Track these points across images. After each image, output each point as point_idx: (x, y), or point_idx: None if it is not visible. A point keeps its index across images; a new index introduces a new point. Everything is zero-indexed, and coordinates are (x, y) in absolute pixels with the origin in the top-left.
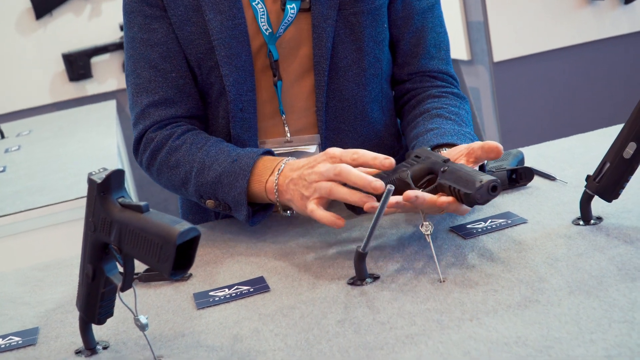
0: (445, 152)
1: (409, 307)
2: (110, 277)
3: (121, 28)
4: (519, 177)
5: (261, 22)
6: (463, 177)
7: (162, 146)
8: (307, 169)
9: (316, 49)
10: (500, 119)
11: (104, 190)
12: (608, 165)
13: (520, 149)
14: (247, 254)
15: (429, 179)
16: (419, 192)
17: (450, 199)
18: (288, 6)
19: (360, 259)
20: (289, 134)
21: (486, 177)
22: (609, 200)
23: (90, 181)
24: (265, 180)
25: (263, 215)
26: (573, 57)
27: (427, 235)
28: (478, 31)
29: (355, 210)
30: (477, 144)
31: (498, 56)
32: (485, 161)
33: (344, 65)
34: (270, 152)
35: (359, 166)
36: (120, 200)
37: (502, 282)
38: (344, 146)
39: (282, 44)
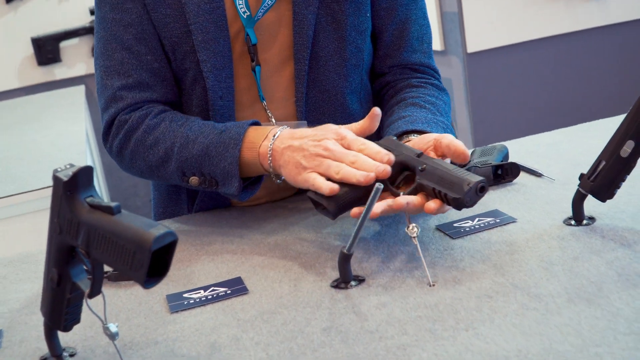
0: (413, 141)
1: (398, 314)
2: (77, 283)
3: (91, 12)
4: (504, 173)
5: (239, 5)
6: (446, 178)
7: (137, 126)
8: (312, 141)
9: (297, 36)
10: (472, 110)
11: (70, 189)
12: (604, 163)
13: (503, 143)
14: (223, 251)
15: (406, 176)
16: (408, 198)
17: (438, 204)
18: None
19: (344, 260)
20: (273, 120)
21: (472, 178)
22: (603, 200)
23: (56, 179)
24: (258, 146)
25: (252, 190)
26: (546, 49)
27: (414, 238)
28: (452, 22)
29: (330, 213)
30: (444, 139)
31: (472, 47)
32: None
33: (325, 54)
34: (257, 123)
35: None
36: (88, 200)
37: (495, 288)
38: None
39: (260, 28)
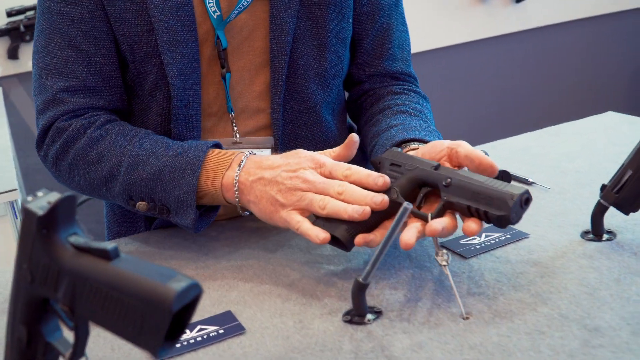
0: (421, 151)
1: (441, 358)
2: (52, 344)
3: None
4: None
5: (209, 4)
6: (483, 192)
7: (78, 137)
8: (286, 172)
9: (274, 42)
10: None
11: (47, 226)
12: (630, 174)
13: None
14: (199, 277)
15: (427, 193)
16: (442, 222)
17: (478, 223)
18: None
19: (360, 290)
20: (237, 135)
21: (514, 190)
22: (627, 213)
23: (27, 213)
24: (221, 176)
25: (207, 220)
26: (466, 54)
27: (444, 266)
28: None
29: (345, 245)
30: (462, 148)
31: None
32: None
33: (304, 62)
34: (218, 145)
35: (350, 183)
36: (72, 240)
37: (544, 320)
38: None
39: (232, 31)
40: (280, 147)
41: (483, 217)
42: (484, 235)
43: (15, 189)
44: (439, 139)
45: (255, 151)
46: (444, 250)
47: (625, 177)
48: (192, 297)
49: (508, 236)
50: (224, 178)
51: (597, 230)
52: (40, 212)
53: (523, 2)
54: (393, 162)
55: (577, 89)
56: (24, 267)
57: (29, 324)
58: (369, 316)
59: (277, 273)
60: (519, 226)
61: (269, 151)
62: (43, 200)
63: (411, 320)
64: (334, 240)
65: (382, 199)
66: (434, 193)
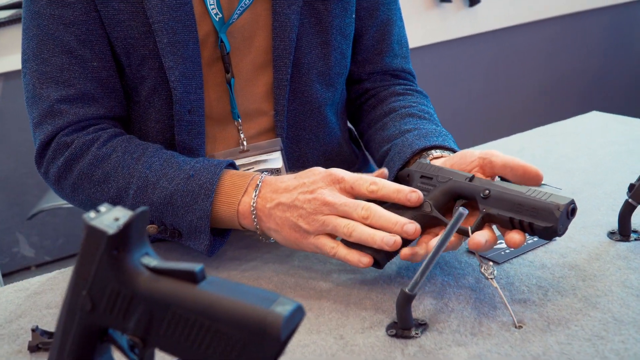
0: (450, 161)
1: None
2: None
3: None
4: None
5: (210, 5)
6: (526, 204)
7: (82, 154)
8: (304, 194)
9: (277, 40)
10: None
11: (119, 246)
12: None
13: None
14: None
15: (462, 206)
16: (484, 235)
17: (522, 235)
18: None
19: (406, 302)
20: (245, 143)
21: (559, 200)
22: None
23: (93, 231)
24: (237, 202)
25: (221, 243)
26: (420, 58)
27: (492, 279)
28: None
29: (378, 263)
30: (497, 158)
31: None
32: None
33: (308, 61)
34: (232, 165)
35: (375, 199)
36: (146, 261)
37: (600, 325)
38: (303, 156)
39: (233, 32)
40: (285, 151)
41: (527, 229)
42: None
43: None
44: (454, 142)
45: (264, 156)
46: (490, 263)
47: None
48: (297, 322)
49: (535, 239)
50: (240, 205)
51: (624, 230)
52: (111, 231)
53: (476, 6)
54: (423, 175)
55: (540, 90)
56: (83, 294)
57: (80, 357)
58: (416, 330)
59: (301, 286)
60: None
61: (278, 154)
62: (109, 217)
63: (462, 332)
64: None
65: (414, 229)
66: (469, 205)
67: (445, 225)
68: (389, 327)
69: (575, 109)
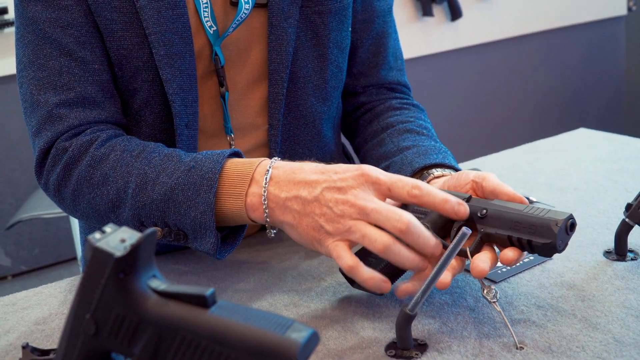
0: (446, 183)
1: None
2: None
3: None
4: None
5: (204, 17)
6: (524, 221)
7: (80, 156)
8: (331, 191)
9: (273, 54)
10: None
11: (126, 269)
12: None
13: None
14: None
15: (460, 227)
16: (486, 260)
17: (517, 252)
18: (242, 0)
19: (406, 322)
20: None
21: (558, 216)
22: None
23: (99, 253)
24: (244, 194)
25: (233, 244)
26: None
27: (494, 302)
28: None
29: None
30: (488, 182)
31: None
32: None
33: (304, 75)
34: (238, 154)
35: (411, 204)
36: (153, 285)
37: (601, 347)
38: None
39: (228, 45)
40: None
41: (526, 246)
42: None
43: None
44: (454, 159)
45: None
46: (492, 287)
47: None
48: (312, 349)
49: (532, 258)
50: (247, 196)
51: (621, 250)
52: (118, 254)
53: (458, 21)
54: None
55: (522, 105)
56: (87, 318)
57: None
58: (415, 349)
59: (296, 304)
60: None
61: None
62: (115, 238)
63: (463, 353)
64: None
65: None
66: (467, 226)
67: (445, 247)
68: (388, 347)
69: (558, 124)
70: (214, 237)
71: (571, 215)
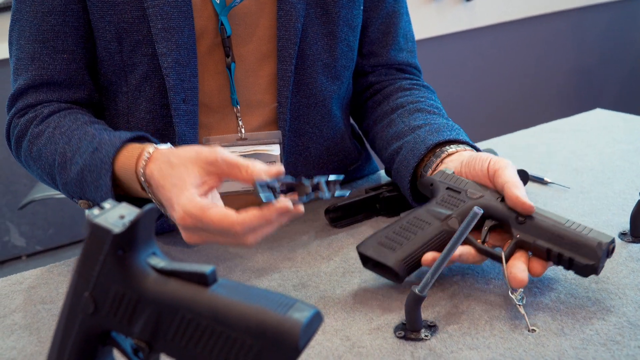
0: (460, 169)
1: None
2: None
3: None
4: None
5: None
6: (567, 237)
7: (23, 133)
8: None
9: (281, 30)
10: None
11: (125, 246)
12: None
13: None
14: None
15: (493, 227)
16: (524, 269)
17: (543, 266)
18: None
19: (416, 303)
20: (243, 130)
21: (601, 237)
22: None
23: (97, 229)
24: (133, 168)
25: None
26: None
27: (520, 306)
28: None
29: (397, 275)
30: (498, 178)
31: None
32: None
33: (313, 52)
34: (146, 139)
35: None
36: (153, 262)
37: (614, 329)
38: (306, 151)
39: (235, 18)
40: (286, 144)
41: (565, 262)
42: None
43: None
44: (467, 136)
45: (263, 147)
46: (520, 289)
47: None
48: (315, 329)
49: None
50: (143, 170)
51: (636, 232)
52: (117, 230)
53: (473, 1)
54: (450, 187)
55: (538, 86)
56: (85, 295)
57: None
58: (425, 332)
59: (305, 284)
60: None
61: (277, 147)
62: (114, 214)
63: (473, 335)
64: (383, 269)
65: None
66: (503, 228)
67: (472, 243)
68: (397, 329)
69: (574, 105)
70: None
71: (613, 239)
